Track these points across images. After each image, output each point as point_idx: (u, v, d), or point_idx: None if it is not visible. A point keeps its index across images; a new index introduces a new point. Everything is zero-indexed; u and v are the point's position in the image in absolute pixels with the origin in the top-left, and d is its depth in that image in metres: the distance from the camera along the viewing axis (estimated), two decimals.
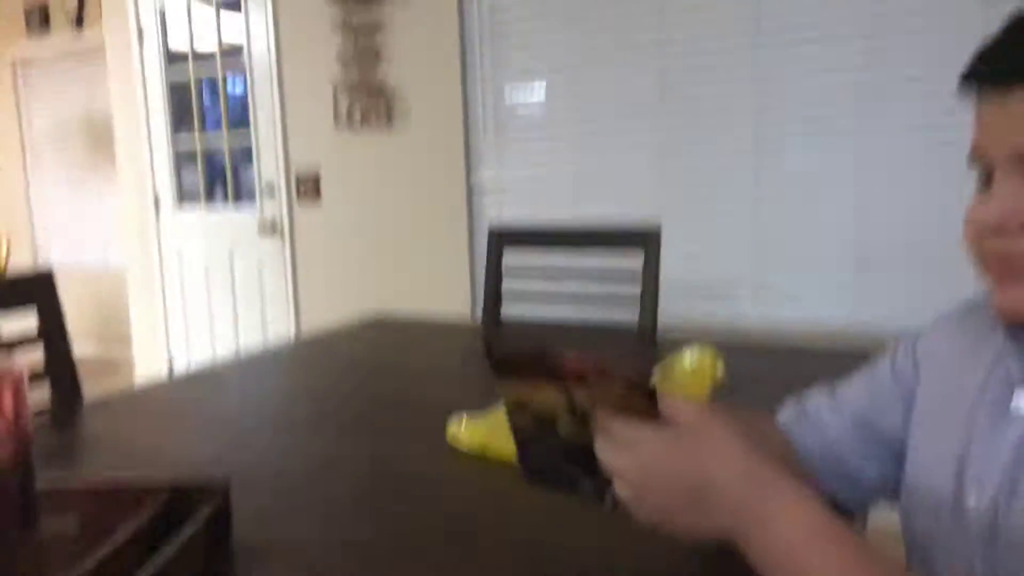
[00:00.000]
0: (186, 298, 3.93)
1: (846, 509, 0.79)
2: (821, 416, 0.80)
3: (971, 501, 0.63)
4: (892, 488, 0.75)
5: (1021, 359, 0.62)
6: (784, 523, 0.55)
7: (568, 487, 0.67)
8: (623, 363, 0.61)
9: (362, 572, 0.75)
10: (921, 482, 0.70)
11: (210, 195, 3.81)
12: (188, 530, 0.69)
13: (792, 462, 0.78)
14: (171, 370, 4.05)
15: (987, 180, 0.60)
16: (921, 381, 0.74)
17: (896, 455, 0.75)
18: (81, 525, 0.73)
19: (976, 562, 0.62)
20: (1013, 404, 0.61)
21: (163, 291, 3.99)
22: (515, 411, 0.66)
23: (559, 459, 0.66)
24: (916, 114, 2.29)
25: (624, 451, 0.59)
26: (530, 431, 0.66)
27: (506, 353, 0.62)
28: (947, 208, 2.26)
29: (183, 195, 3.89)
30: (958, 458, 0.65)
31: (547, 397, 0.63)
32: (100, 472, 1.03)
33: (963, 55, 0.62)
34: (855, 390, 0.80)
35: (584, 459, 0.63)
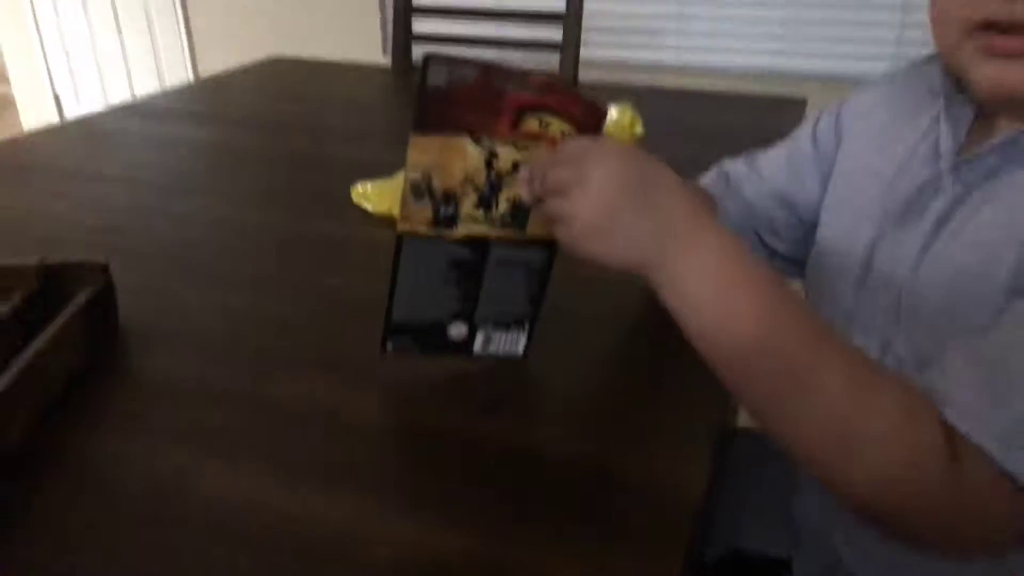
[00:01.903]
0: (63, 30, 3.53)
1: None
2: (740, 186, 0.78)
3: (879, 271, 0.63)
4: (800, 265, 0.75)
5: (953, 128, 0.60)
6: (708, 249, 0.51)
7: (434, 337, 0.65)
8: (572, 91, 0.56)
9: (255, 348, 0.72)
10: (830, 250, 0.69)
11: None
12: (63, 316, 0.64)
13: None
14: (60, 109, 3.74)
15: None
16: (842, 148, 0.72)
17: (808, 231, 0.74)
18: None
19: (879, 333, 0.63)
20: (942, 179, 0.59)
21: (35, 19, 3.56)
22: (414, 199, 0.58)
23: (437, 282, 0.63)
24: None
25: (577, 160, 0.54)
26: (417, 241, 0.61)
27: (441, 66, 0.53)
28: None
29: None
30: (873, 227, 0.64)
31: (460, 164, 0.57)
32: None
33: None
34: (774, 161, 0.78)
35: (471, 271, 0.62)
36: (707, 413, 0.62)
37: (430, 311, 0.64)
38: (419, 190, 0.58)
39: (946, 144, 0.60)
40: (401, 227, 0.59)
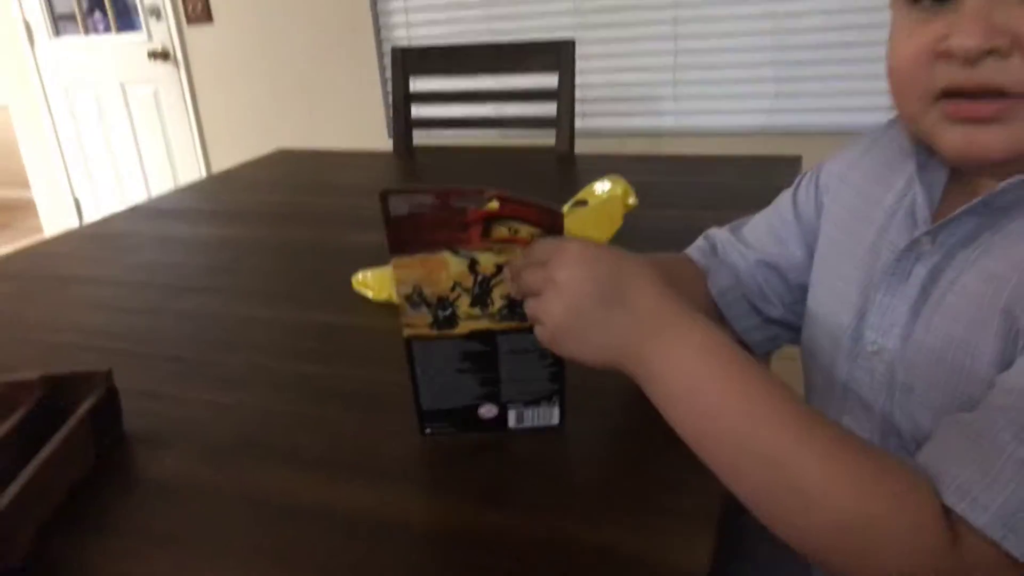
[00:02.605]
0: (81, 134, 3.66)
1: (754, 351, 0.79)
2: (728, 255, 0.79)
3: (870, 341, 0.62)
4: (796, 329, 0.75)
5: (927, 192, 0.59)
6: (680, 341, 0.52)
7: (467, 419, 0.67)
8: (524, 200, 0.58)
9: (262, 445, 0.72)
10: (821, 321, 0.69)
11: (90, 20, 3.45)
12: (67, 427, 0.65)
13: (706, 303, 0.77)
14: (79, 212, 3.85)
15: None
16: (823, 214, 0.72)
17: (799, 294, 0.74)
18: None
19: (876, 406, 0.61)
20: (921, 242, 0.58)
21: (54, 128, 3.70)
22: (411, 308, 0.62)
23: (455, 372, 0.65)
24: None
25: (545, 262, 0.55)
26: (425, 342, 0.63)
27: (400, 197, 0.57)
28: (862, 7, 2.20)
29: (58, 22, 3.51)
30: (859, 295, 0.63)
31: (445, 273, 0.60)
32: None
33: None
34: (758, 229, 0.78)
35: (485, 360, 0.64)
36: (711, 491, 0.61)
37: (456, 397, 0.67)
38: (413, 301, 0.61)
39: (921, 210, 0.59)
40: (407, 333, 0.63)
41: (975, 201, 0.54)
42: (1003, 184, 0.52)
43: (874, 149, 0.69)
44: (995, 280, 0.52)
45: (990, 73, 0.50)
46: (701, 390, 0.51)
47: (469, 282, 0.61)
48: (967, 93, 0.52)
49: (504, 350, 0.64)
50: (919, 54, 0.53)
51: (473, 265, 0.60)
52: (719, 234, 0.81)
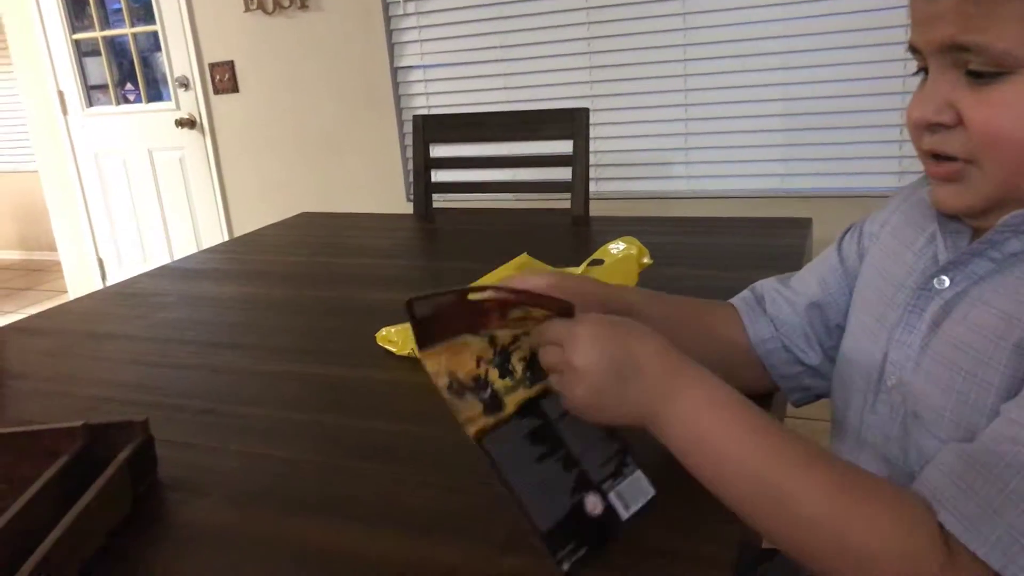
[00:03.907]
0: (108, 200, 3.77)
1: (794, 400, 0.82)
2: (775, 303, 0.81)
3: (890, 375, 0.65)
4: (829, 377, 0.77)
5: (949, 242, 0.64)
6: (687, 397, 0.58)
7: (586, 524, 0.63)
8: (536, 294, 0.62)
9: (290, 495, 0.75)
10: (852, 357, 0.72)
11: (121, 92, 3.59)
12: (107, 474, 0.68)
13: (739, 350, 0.80)
14: (103, 274, 3.93)
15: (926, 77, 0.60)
16: (864, 260, 0.76)
17: (837, 339, 0.76)
18: None
19: (892, 437, 0.64)
20: (935, 281, 0.63)
21: (83, 194, 3.81)
22: (458, 400, 0.62)
23: (534, 461, 0.63)
24: None
25: (560, 344, 0.60)
26: (493, 433, 0.63)
27: (423, 301, 0.61)
28: (871, 77, 2.27)
29: (91, 92, 3.65)
30: (887, 332, 0.67)
31: (468, 352, 0.63)
32: (14, 406, 1.01)
33: None
34: (806, 279, 0.81)
35: (547, 432, 0.64)
36: (728, 538, 0.63)
37: (557, 496, 0.63)
38: (455, 389, 0.63)
39: (942, 253, 0.64)
40: (471, 432, 0.62)
41: (977, 241, 0.59)
42: (1000, 221, 0.58)
43: (912, 198, 0.74)
44: (1007, 318, 0.56)
45: (940, 141, 0.59)
46: (708, 439, 0.57)
47: (490, 354, 0.64)
48: (937, 156, 0.60)
49: (553, 416, 0.65)
50: (907, 121, 0.62)
51: (492, 340, 0.63)
52: (766, 284, 0.84)
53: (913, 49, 0.60)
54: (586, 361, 0.58)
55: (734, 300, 0.85)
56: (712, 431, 0.57)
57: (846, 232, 0.81)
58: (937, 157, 0.59)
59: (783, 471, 0.53)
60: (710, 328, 0.81)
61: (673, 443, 0.59)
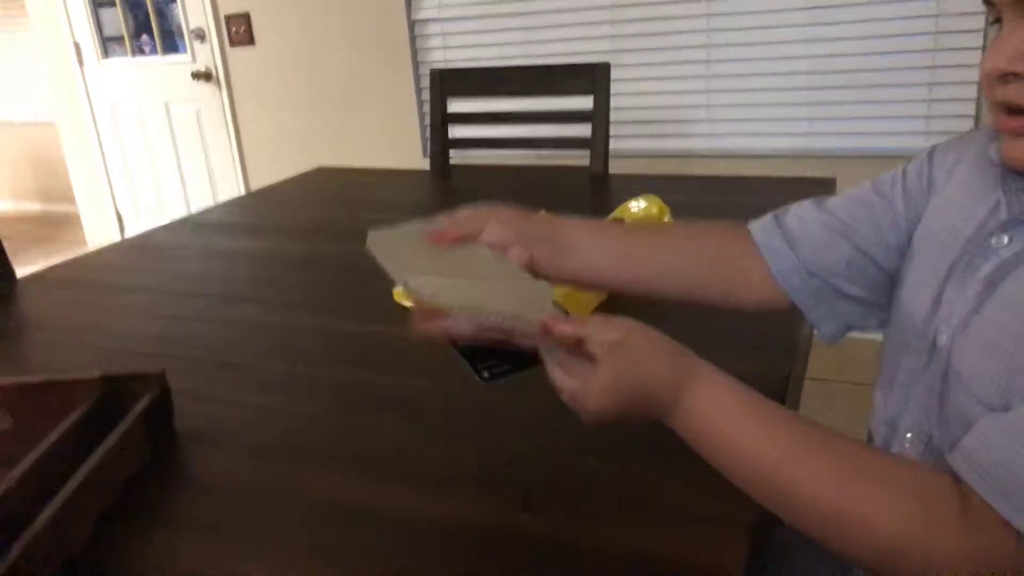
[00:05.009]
0: (126, 152, 3.76)
1: (822, 334, 0.77)
2: (810, 229, 0.76)
3: (941, 340, 0.62)
4: (874, 316, 0.74)
5: (1011, 201, 0.60)
6: (699, 397, 0.58)
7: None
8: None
9: (305, 447, 0.75)
10: (904, 316, 0.68)
11: (136, 43, 3.56)
12: (124, 424, 0.68)
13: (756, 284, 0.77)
14: (121, 227, 3.95)
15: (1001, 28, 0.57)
16: (931, 201, 0.70)
17: (884, 281, 0.72)
18: (14, 423, 0.71)
19: (935, 394, 0.62)
20: (994, 239, 0.60)
21: (100, 146, 3.81)
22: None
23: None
24: None
25: (570, 374, 0.60)
26: None
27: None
28: (900, 35, 2.21)
29: (107, 44, 3.63)
30: (937, 293, 0.64)
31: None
32: (33, 356, 1.01)
33: None
34: (849, 207, 0.75)
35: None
36: (747, 498, 0.62)
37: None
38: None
39: (1003, 210, 0.61)
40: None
41: None
42: None
43: (979, 148, 0.68)
44: None
45: (1013, 92, 0.55)
46: (721, 438, 0.58)
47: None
48: (1010, 109, 0.56)
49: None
50: (982, 73, 0.58)
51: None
52: (796, 208, 0.78)
53: (987, 1, 0.57)
54: (599, 406, 0.58)
55: (752, 228, 0.79)
56: (728, 431, 0.57)
57: (908, 165, 0.73)
58: (1010, 110, 0.56)
59: (794, 465, 0.54)
60: (725, 268, 0.80)
61: (687, 439, 0.59)
